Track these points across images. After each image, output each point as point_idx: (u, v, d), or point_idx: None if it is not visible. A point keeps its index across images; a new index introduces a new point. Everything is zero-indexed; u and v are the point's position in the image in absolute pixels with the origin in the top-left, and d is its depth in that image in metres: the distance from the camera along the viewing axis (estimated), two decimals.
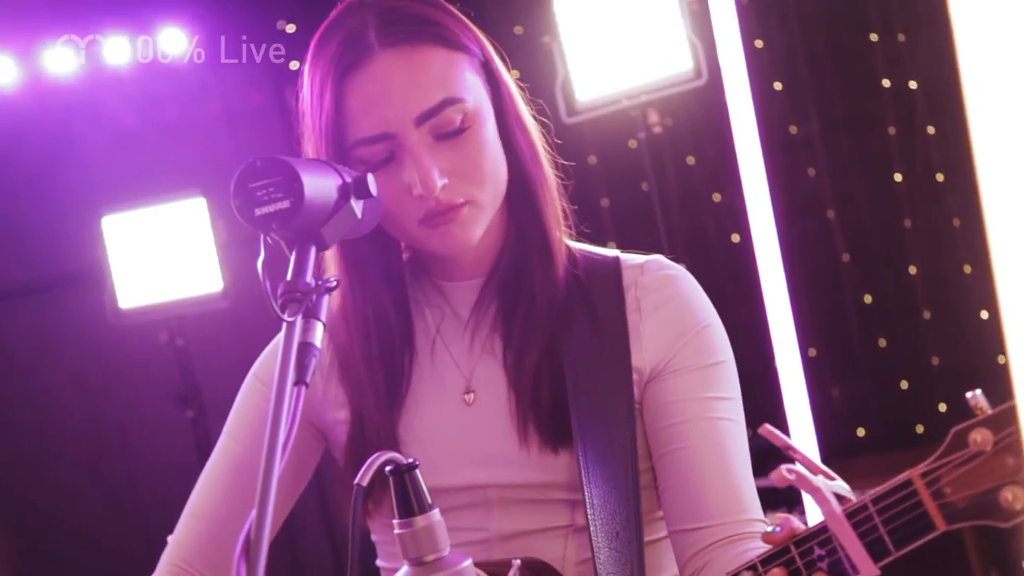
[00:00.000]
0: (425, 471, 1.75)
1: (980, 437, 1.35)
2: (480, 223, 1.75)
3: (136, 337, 4.68)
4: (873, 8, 5.15)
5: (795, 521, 1.48)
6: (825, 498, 1.40)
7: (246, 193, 1.48)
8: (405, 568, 1.46)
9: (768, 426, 1.48)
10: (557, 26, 4.12)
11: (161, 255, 4.42)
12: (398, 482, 1.46)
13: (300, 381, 1.37)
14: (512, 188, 1.80)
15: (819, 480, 1.42)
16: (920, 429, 5.20)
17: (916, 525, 1.37)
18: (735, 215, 5.14)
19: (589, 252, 1.89)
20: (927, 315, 5.18)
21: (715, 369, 1.80)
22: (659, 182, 4.33)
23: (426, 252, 1.82)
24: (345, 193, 1.54)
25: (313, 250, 1.49)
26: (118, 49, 4.92)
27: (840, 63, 5.20)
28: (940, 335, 5.18)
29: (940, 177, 5.13)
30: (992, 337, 5.08)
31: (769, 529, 1.71)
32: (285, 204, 1.46)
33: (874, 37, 5.15)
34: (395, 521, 1.45)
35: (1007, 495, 1.34)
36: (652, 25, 4.03)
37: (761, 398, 4.78)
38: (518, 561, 1.62)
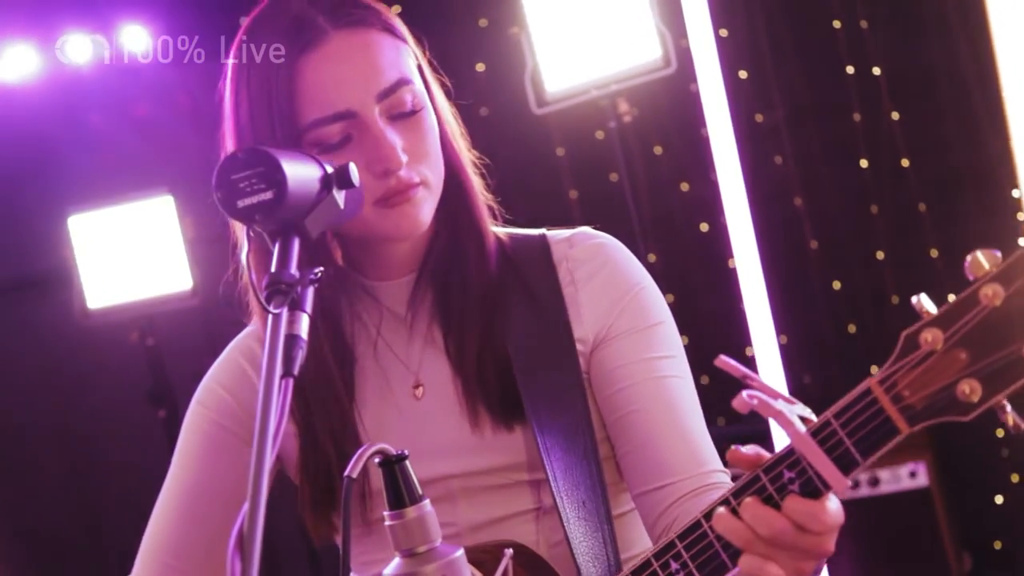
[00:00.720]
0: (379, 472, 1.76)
1: (931, 336, 1.39)
2: (430, 206, 1.76)
3: (106, 337, 4.65)
4: None
5: (762, 451, 1.49)
6: (788, 420, 1.42)
7: (228, 184, 1.48)
8: (397, 560, 1.46)
9: (723, 357, 1.49)
10: (525, 17, 4.11)
11: (129, 254, 4.40)
12: (388, 473, 1.46)
13: (288, 374, 1.37)
14: (444, 182, 1.81)
15: (780, 404, 1.44)
16: None
17: (880, 432, 1.39)
18: (703, 204, 5.15)
19: (514, 233, 1.90)
20: (895, 300, 5.20)
21: (656, 329, 1.82)
22: (629, 172, 4.33)
23: (374, 236, 1.78)
24: (327, 183, 1.54)
25: (297, 242, 1.48)
26: (80, 48, 4.88)
27: (804, 51, 5.21)
28: (909, 320, 5.16)
29: (905, 163, 5.15)
30: None
31: (728, 477, 1.74)
32: (268, 195, 1.46)
33: (837, 24, 5.17)
34: (386, 513, 1.45)
35: (964, 388, 1.36)
36: (620, 14, 4.04)
37: (734, 385, 4.78)
38: (510, 551, 1.61)
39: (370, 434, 1.82)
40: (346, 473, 1.41)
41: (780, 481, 1.44)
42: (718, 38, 4.85)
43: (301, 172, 1.50)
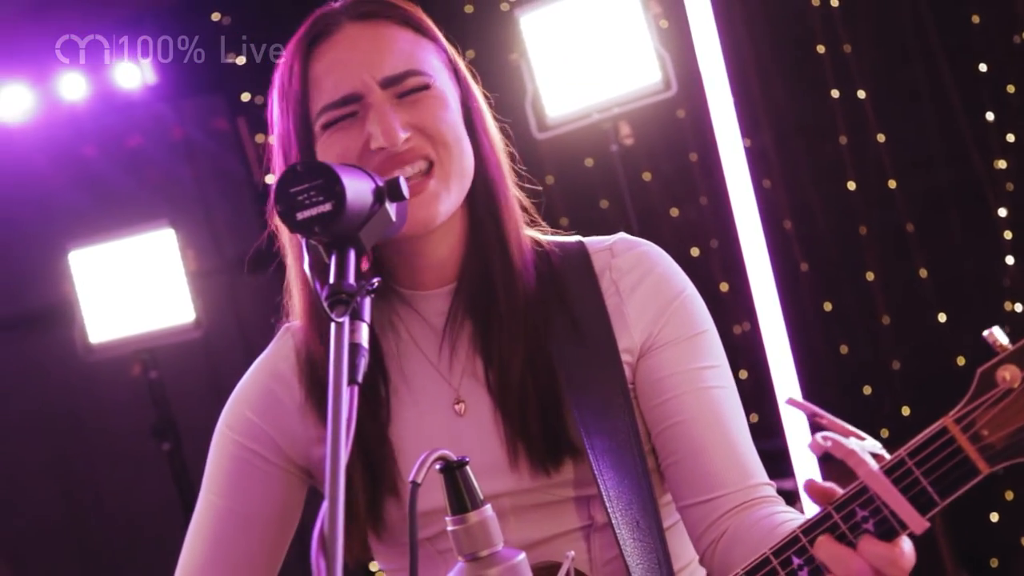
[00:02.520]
0: (425, 490, 1.76)
1: (1008, 375, 1.37)
2: (447, 197, 1.74)
3: (108, 371, 4.65)
4: (818, 21, 5.23)
5: (837, 488, 1.46)
6: (861, 460, 1.39)
7: (288, 197, 1.50)
8: (460, 564, 1.46)
9: (791, 397, 1.48)
10: (524, 43, 4.15)
11: (131, 288, 4.41)
12: (450, 479, 1.46)
13: (352, 381, 1.37)
14: (475, 191, 1.80)
15: (852, 442, 1.41)
16: (885, 433, 5.26)
17: (959, 472, 1.37)
18: (694, 227, 5.21)
19: (554, 241, 1.89)
20: (886, 320, 5.25)
21: (701, 338, 1.82)
22: (631, 194, 4.37)
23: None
24: (379, 196, 1.55)
25: (353, 253, 1.49)
26: (73, 85, 4.90)
27: (789, 75, 5.27)
28: (900, 340, 5.25)
29: (892, 184, 5.21)
30: (951, 339, 5.18)
31: (774, 492, 1.72)
32: (327, 207, 1.48)
33: (821, 49, 5.24)
34: (447, 518, 1.45)
35: None
36: (618, 39, 4.07)
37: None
38: (572, 553, 1.61)
39: (408, 448, 1.79)
40: (410, 478, 1.42)
41: (853, 519, 1.42)
42: (700, 65, 4.91)
43: (357, 185, 1.52)
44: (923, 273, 5.20)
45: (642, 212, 4.90)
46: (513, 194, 1.85)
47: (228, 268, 5.18)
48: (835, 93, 5.23)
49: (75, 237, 4.45)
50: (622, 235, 1.89)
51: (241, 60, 5.59)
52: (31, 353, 5.12)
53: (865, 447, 1.42)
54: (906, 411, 5.16)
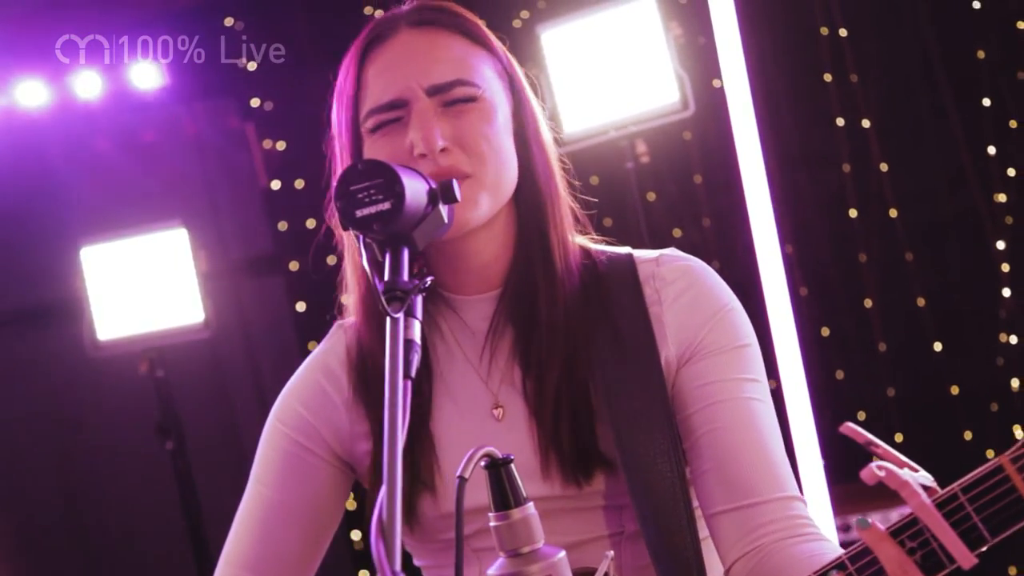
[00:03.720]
0: (454, 490, 1.78)
1: None
2: (480, 205, 1.75)
3: (115, 369, 4.66)
4: (826, 50, 5.29)
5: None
6: (914, 491, 1.40)
7: (347, 195, 1.53)
8: (501, 560, 1.48)
9: (849, 424, 1.50)
10: (544, 58, 4.19)
11: (141, 286, 4.41)
12: (494, 475, 1.48)
13: (407, 376, 1.40)
14: (523, 199, 1.82)
15: (905, 473, 1.42)
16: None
17: (1011, 511, 1.37)
18: (696, 249, 5.23)
19: (603, 250, 1.89)
20: (883, 347, 5.30)
21: (743, 351, 1.81)
22: (645, 211, 4.41)
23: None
24: (433, 198, 1.58)
25: (406, 252, 1.52)
26: (88, 83, 4.93)
27: (795, 102, 5.33)
28: (896, 367, 5.30)
29: (893, 213, 5.27)
30: (946, 369, 5.23)
31: (808, 511, 1.73)
32: (386, 205, 1.51)
33: (828, 77, 5.30)
34: (491, 514, 1.47)
35: None
36: (638, 57, 4.11)
37: None
38: (610, 553, 1.63)
39: (446, 448, 1.82)
40: (458, 473, 1.44)
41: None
42: (710, 86, 4.96)
43: (414, 185, 1.56)
44: (920, 302, 5.26)
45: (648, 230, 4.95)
46: (563, 203, 1.86)
47: (233, 271, 5.20)
48: (840, 121, 5.29)
49: (87, 233, 4.46)
50: (671, 249, 1.90)
51: (252, 65, 5.62)
52: (38, 347, 5.13)
53: (917, 479, 1.43)
54: (899, 438, 5.21)
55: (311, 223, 5.62)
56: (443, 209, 1.60)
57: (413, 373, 1.41)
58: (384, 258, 1.52)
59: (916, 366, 5.27)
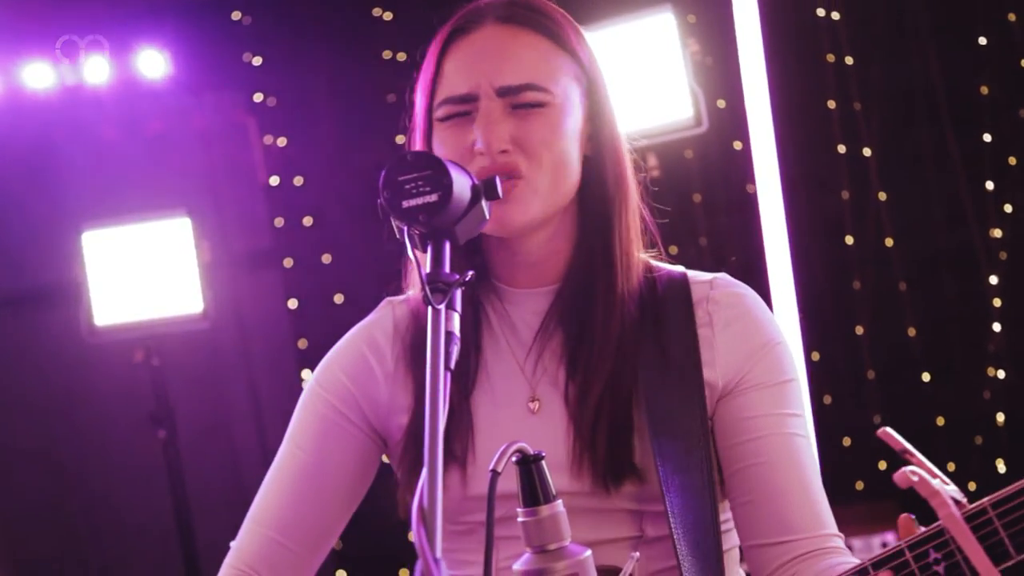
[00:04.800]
0: (483, 476, 1.78)
1: None
2: (530, 207, 1.77)
3: (110, 355, 4.65)
4: (831, 76, 5.33)
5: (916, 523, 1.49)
6: (944, 501, 1.42)
7: (395, 185, 1.54)
8: (527, 555, 1.50)
9: (888, 429, 1.50)
10: None
11: (141, 273, 4.41)
12: (524, 471, 1.50)
13: (446, 367, 1.43)
14: (588, 205, 1.84)
15: (936, 483, 1.43)
16: (860, 486, 5.33)
17: None
18: (690, 266, 5.25)
19: (659, 266, 1.91)
20: (871, 375, 5.33)
21: (788, 386, 1.83)
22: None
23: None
24: (476, 194, 1.60)
25: (448, 245, 1.54)
26: (97, 68, 4.94)
27: (798, 126, 5.36)
28: (883, 395, 5.33)
29: (889, 242, 5.31)
30: (933, 399, 5.26)
31: (843, 542, 1.76)
32: (433, 197, 1.53)
33: (832, 104, 5.33)
34: (519, 509, 1.48)
35: None
36: (655, 71, 4.13)
37: None
38: (636, 554, 1.64)
39: (478, 432, 1.84)
40: (491, 467, 1.45)
41: (925, 560, 1.44)
42: (714, 106, 4.99)
43: (460, 180, 1.57)
44: (911, 332, 5.29)
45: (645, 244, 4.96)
46: (632, 214, 1.88)
47: (232, 263, 5.20)
48: (841, 148, 5.32)
49: (89, 218, 4.46)
50: (724, 274, 1.92)
51: (258, 60, 5.63)
52: (34, 330, 5.12)
53: (948, 491, 1.45)
54: (883, 465, 5.23)
55: (308, 221, 5.63)
56: (485, 205, 1.61)
57: (452, 365, 1.43)
58: (426, 250, 1.54)
59: (904, 395, 5.30)
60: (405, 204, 1.54)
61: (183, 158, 5.35)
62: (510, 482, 1.49)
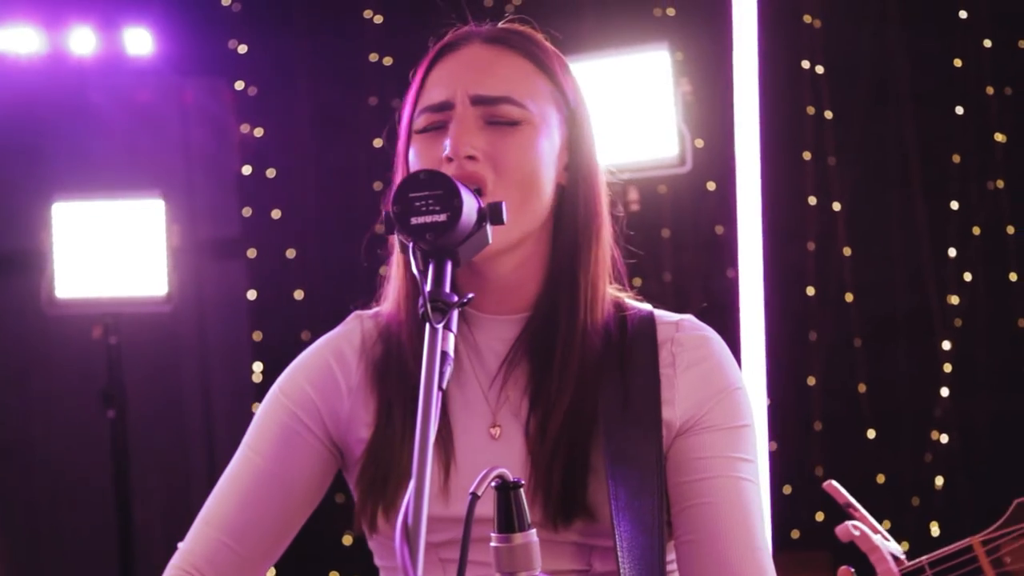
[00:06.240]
0: (437, 497, 1.78)
1: None
2: (503, 227, 1.72)
3: (67, 328, 4.62)
4: (809, 128, 5.38)
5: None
6: (882, 556, 1.46)
7: (405, 201, 1.55)
8: None
9: (833, 483, 1.53)
10: None
11: (109, 250, 4.38)
12: (502, 497, 1.50)
13: (439, 387, 1.44)
14: (560, 235, 1.83)
15: (878, 539, 1.48)
16: (796, 535, 5.37)
17: None
18: (652, 301, 5.28)
19: (627, 303, 1.91)
20: (818, 426, 5.37)
21: (743, 431, 1.84)
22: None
23: None
24: (482, 217, 1.61)
25: (449, 265, 1.56)
26: (84, 38, 4.91)
27: (771, 173, 5.39)
28: (827, 448, 5.37)
29: (849, 297, 5.36)
30: (875, 457, 5.32)
31: None
32: (442, 217, 1.54)
33: (807, 156, 5.38)
34: (493, 535, 1.49)
35: None
36: (644, 106, 4.15)
37: None
38: None
39: (437, 455, 1.82)
40: (471, 490, 1.44)
41: None
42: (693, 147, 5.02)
43: (469, 202, 1.59)
44: (862, 388, 5.34)
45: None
46: (603, 249, 1.88)
47: (199, 249, 5.17)
48: (812, 200, 5.37)
49: (62, 189, 4.42)
50: (691, 316, 1.92)
51: (243, 48, 5.62)
52: None
53: (888, 547, 1.49)
54: (820, 516, 5.28)
55: (276, 214, 5.61)
56: (489, 229, 1.63)
57: (445, 385, 1.44)
58: (428, 268, 1.55)
59: (847, 450, 5.34)
60: (414, 221, 1.55)
61: (161, 138, 5.32)
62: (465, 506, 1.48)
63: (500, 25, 1.90)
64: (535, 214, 1.81)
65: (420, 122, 1.82)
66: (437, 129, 1.80)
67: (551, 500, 1.78)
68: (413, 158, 1.82)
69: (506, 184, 1.77)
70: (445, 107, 1.80)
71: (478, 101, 1.79)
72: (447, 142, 1.76)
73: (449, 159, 1.75)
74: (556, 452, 1.79)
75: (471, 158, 1.75)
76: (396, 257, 1.89)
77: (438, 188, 1.56)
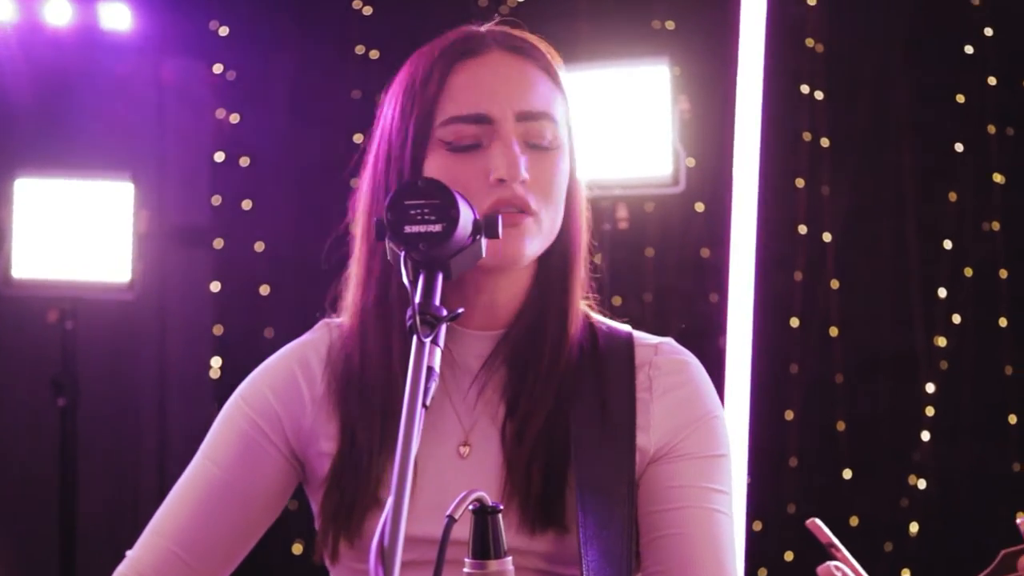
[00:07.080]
0: (416, 516, 1.66)
1: None
2: (535, 243, 1.75)
3: (22, 309, 4.48)
4: (804, 155, 5.28)
5: None
6: None
7: (401, 209, 1.53)
8: None
9: (817, 521, 1.51)
10: None
11: (72, 232, 4.26)
12: (479, 522, 1.46)
13: (423, 404, 1.42)
14: (553, 251, 1.81)
15: None
16: (763, 573, 5.26)
17: None
18: (636, 322, 5.16)
19: (607, 325, 1.88)
20: (793, 463, 5.26)
21: (718, 461, 1.81)
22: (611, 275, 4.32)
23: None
24: (477, 229, 1.58)
25: (440, 277, 1.53)
26: (59, 8, 4.77)
27: (765, 200, 5.29)
28: (802, 485, 5.27)
29: (834, 331, 5.25)
30: (850, 498, 5.20)
31: None
32: (437, 228, 1.52)
33: (800, 183, 5.28)
34: (467, 560, 1.45)
35: None
36: (641, 123, 4.06)
37: None
38: None
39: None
40: (448, 513, 1.40)
41: None
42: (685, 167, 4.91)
43: (466, 214, 1.55)
44: (840, 426, 5.24)
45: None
46: (583, 263, 1.86)
47: (164, 234, 5.04)
48: (803, 229, 5.26)
49: (26, 164, 4.29)
50: (670, 340, 1.89)
51: (224, 31, 5.48)
52: None
53: None
54: (789, 556, 5.17)
55: (247, 204, 5.46)
56: (483, 242, 1.60)
57: (429, 401, 1.43)
58: (417, 279, 1.52)
59: (822, 489, 5.26)
60: (407, 229, 1.52)
61: (133, 118, 5.19)
62: (436, 529, 1.44)
63: (503, 28, 1.85)
64: (555, 234, 1.79)
65: (449, 134, 1.75)
66: (469, 150, 1.74)
67: (529, 502, 1.75)
68: (441, 173, 1.73)
69: (545, 206, 1.75)
70: (483, 120, 1.74)
71: (523, 117, 1.75)
72: (499, 164, 1.72)
73: (500, 180, 1.71)
74: (535, 453, 1.76)
75: (523, 182, 1.73)
76: (360, 261, 1.84)
77: (435, 197, 1.54)
